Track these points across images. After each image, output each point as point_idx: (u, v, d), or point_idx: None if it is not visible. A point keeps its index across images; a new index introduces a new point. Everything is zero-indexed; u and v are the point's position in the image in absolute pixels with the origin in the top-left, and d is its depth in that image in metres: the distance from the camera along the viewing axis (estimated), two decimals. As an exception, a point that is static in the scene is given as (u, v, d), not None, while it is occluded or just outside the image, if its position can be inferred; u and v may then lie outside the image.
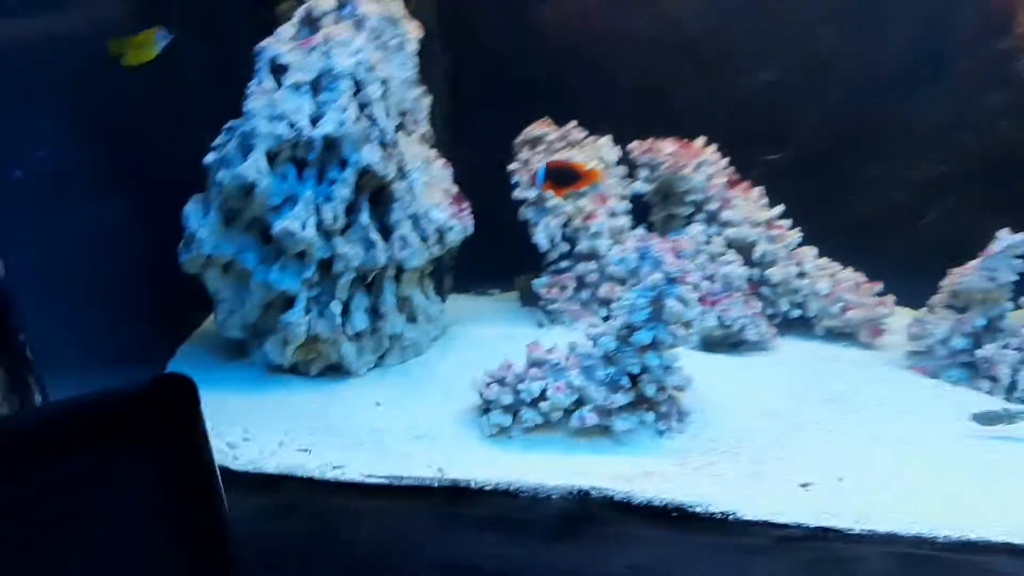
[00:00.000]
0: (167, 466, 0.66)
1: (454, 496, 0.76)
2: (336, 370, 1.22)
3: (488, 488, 0.76)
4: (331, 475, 0.81)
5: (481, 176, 1.36)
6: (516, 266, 1.49)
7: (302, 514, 0.75)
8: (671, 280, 0.90)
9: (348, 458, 0.90)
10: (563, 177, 1.34)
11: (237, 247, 1.17)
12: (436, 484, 0.77)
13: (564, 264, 1.36)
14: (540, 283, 1.35)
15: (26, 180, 1.00)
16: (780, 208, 1.35)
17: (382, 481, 0.79)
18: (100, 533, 0.65)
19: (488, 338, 1.34)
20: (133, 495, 0.65)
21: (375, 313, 1.21)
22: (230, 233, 1.17)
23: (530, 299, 1.43)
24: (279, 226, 1.11)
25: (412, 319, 1.27)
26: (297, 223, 1.11)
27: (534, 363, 0.98)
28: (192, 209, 1.17)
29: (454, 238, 1.24)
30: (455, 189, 1.29)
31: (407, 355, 1.26)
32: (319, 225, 1.12)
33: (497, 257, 1.42)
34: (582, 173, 1.35)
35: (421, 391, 1.16)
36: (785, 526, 0.75)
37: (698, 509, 0.78)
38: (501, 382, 0.98)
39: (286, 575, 0.67)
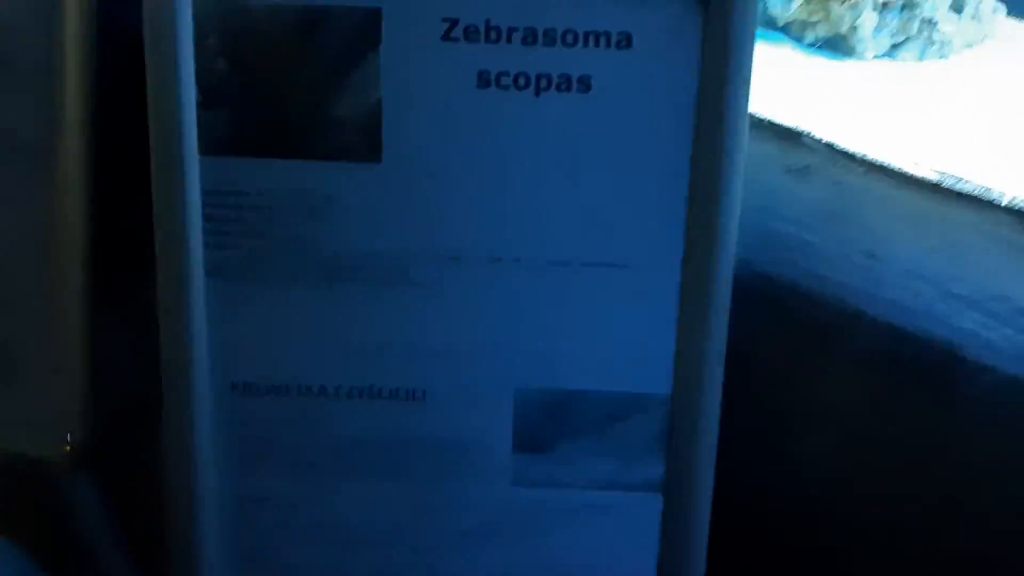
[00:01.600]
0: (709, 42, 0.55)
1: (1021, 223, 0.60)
2: (834, 46, 1.04)
3: (1079, 231, 0.59)
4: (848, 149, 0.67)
5: None
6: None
7: (821, 180, 0.63)
8: None
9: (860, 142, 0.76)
10: None
11: None
12: (1004, 203, 0.61)
13: None
14: None
15: None
16: None
17: (928, 176, 0.63)
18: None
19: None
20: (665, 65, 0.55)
21: (917, -16, 0.99)
22: None
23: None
24: None
25: (958, 8, 1.04)
26: None
27: None
28: None
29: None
30: None
31: (927, 53, 1.04)
32: None
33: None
34: None
35: (942, 98, 0.97)
36: None
37: None
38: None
39: (800, 244, 0.57)
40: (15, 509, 0.85)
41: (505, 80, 0.58)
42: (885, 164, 0.63)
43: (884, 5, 0.98)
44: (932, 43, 1.01)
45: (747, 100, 0.57)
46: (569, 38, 0.57)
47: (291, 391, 0.62)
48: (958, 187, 0.61)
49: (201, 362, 0.61)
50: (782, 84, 0.92)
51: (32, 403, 0.69)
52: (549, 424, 0.62)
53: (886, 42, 1.01)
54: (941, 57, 1.03)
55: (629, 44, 0.57)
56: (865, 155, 0.63)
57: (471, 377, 0.62)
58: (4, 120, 0.64)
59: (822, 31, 1.01)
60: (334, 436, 0.63)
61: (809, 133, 0.66)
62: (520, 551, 0.64)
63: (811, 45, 1.02)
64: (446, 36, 0.57)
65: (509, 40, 0.57)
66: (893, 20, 0.99)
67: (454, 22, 0.57)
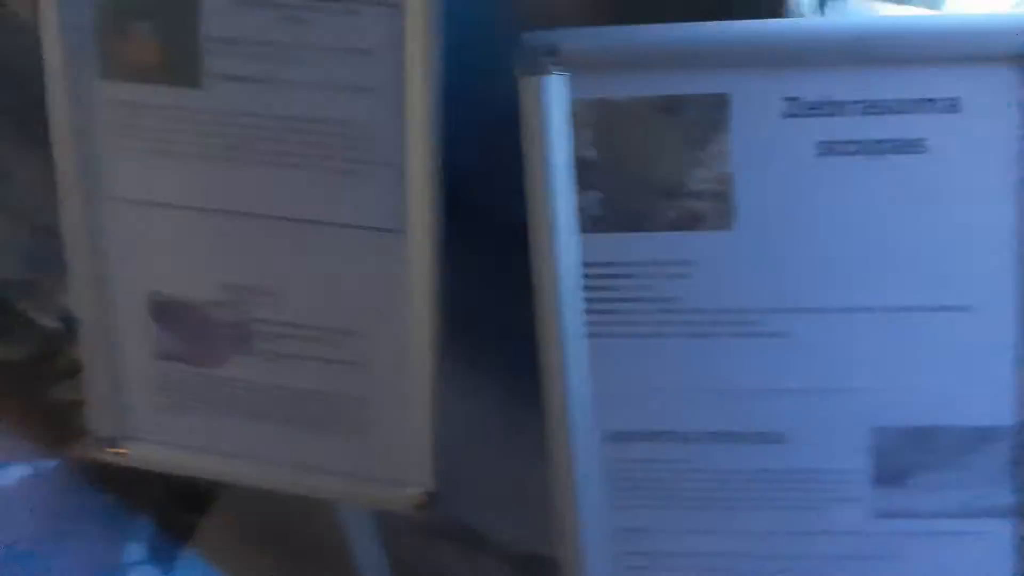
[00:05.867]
0: None
1: None
2: None
3: None
4: None
5: None
6: None
7: None
8: None
9: None
10: None
11: None
12: None
13: None
14: None
15: None
16: None
17: None
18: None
19: None
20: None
21: None
22: None
23: None
24: None
25: None
26: None
27: None
28: None
29: None
30: None
31: None
32: None
33: None
34: None
35: None
36: None
37: None
38: None
39: None
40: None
41: (844, 148, 0.78)
42: None
43: None
44: None
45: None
46: (902, 106, 0.77)
47: (660, 437, 0.85)
48: None
49: (580, 414, 0.85)
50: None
51: (384, 458, 0.94)
52: (905, 458, 0.82)
53: None
54: None
55: (957, 108, 0.77)
56: None
57: (828, 418, 0.81)
58: (362, 204, 0.88)
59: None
60: (700, 476, 0.85)
61: None
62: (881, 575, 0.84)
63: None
64: (788, 113, 0.79)
65: (846, 112, 0.78)
66: None
67: (795, 100, 0.79)
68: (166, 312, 0.91)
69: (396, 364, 0.90)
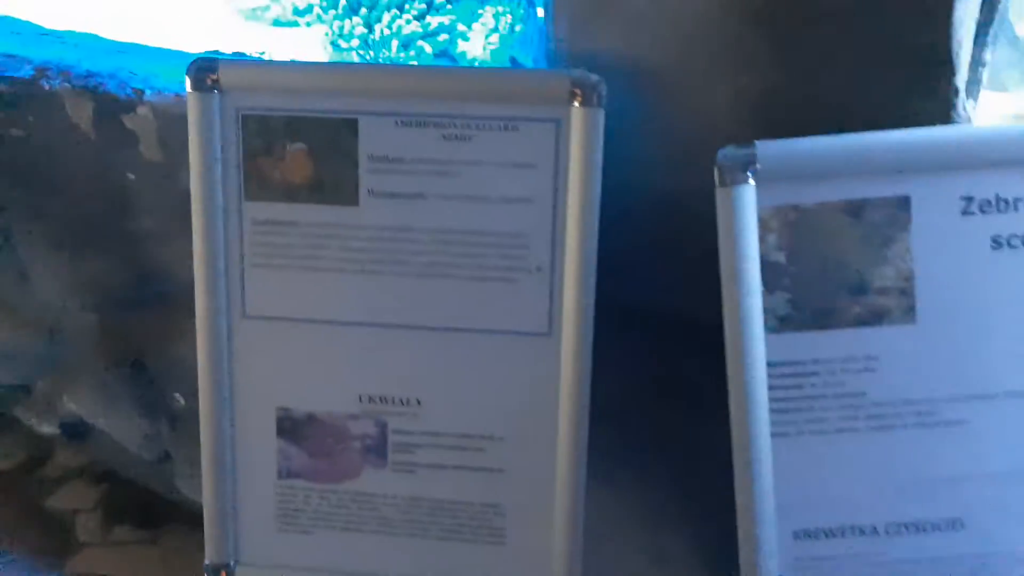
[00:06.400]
0: None
1: None
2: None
3: None
4: None
5: None
6: None
7: None
8: None
9: None
10: None
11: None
12: None
13: None
14: None
15: None
16: None
17: None
18: None
19: None
20: None
21: None
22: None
23: None
24: None
25: None
26: None
27: None
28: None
29: None
30: None
31: None
32: None
33: None
34: None
35: None
36: None
37: None
38: None
39: None
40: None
41: (1015, 241, 0.83)
42: None
43: None
44: None
45: None
46: (1066, 199, 0.82)
47: (846, 532, 0.86)
48: None
49: (767, 514, 0.85)
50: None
51: (523, 565, 0.92)
52: (1070, 537, 0.86)
53: None
54: None
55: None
56: None
57: (1001, 501, 0.85)
58: (513, 309, 0.87)
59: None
60: (883, 569, 0.87)
61: None
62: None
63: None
64: (964, 211, 0.83)
65: (1016, 208, 0.83)
66: None
67: (970, 199, 0.83)
68: (293, 428, 0.85)
69: (539, 468, 0.87)
